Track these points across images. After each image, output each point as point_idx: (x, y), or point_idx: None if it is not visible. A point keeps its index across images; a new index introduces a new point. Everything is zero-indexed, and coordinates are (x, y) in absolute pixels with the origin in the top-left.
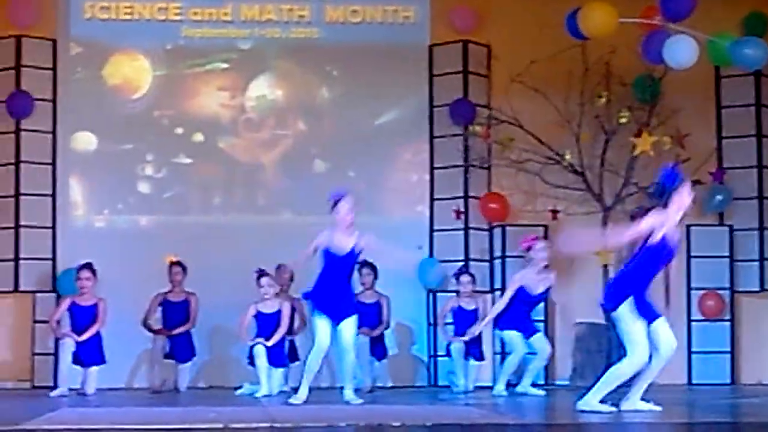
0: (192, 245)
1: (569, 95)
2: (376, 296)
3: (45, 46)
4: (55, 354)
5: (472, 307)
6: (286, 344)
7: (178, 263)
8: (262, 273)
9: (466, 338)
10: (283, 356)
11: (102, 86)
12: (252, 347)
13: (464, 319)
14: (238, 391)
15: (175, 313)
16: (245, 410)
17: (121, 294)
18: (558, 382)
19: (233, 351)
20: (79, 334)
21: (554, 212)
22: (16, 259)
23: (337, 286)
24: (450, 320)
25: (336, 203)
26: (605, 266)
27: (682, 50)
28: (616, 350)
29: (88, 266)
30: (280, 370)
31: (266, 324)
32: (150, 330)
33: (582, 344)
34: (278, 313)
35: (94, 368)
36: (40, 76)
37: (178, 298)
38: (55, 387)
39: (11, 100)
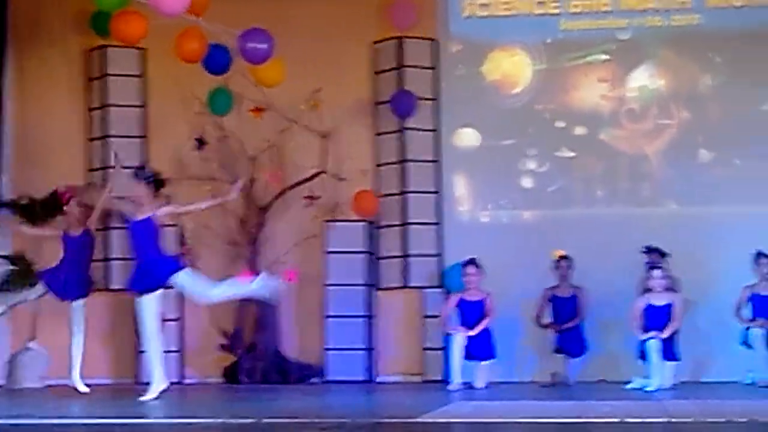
0: (576, 239)
1: None
2: None
3: (425, 45)
4: (444, 349)
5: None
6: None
7: (566, 257)
8: (654, 266)
9: None
10: (673, 350)
11: (482, 82)
12: (644, 341)
13: None
14: (628, 386)
15: (564, 307)
16: (639, 404)
17: (506, 288)
18: None
19: (622, 345)
20: (468, 328)
21: None
22: (405, 255)
23: None
24: None
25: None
26: None
27: None
28: None
29: (473, 262)
30: (672, 364)
31: (656, 317)
32: (540, 326)
33: None
34: (668, 306)
35: (485, 363)
36: (422, 75)
37: (567, 293)
38: (444, 381)
39: (395, 100)
